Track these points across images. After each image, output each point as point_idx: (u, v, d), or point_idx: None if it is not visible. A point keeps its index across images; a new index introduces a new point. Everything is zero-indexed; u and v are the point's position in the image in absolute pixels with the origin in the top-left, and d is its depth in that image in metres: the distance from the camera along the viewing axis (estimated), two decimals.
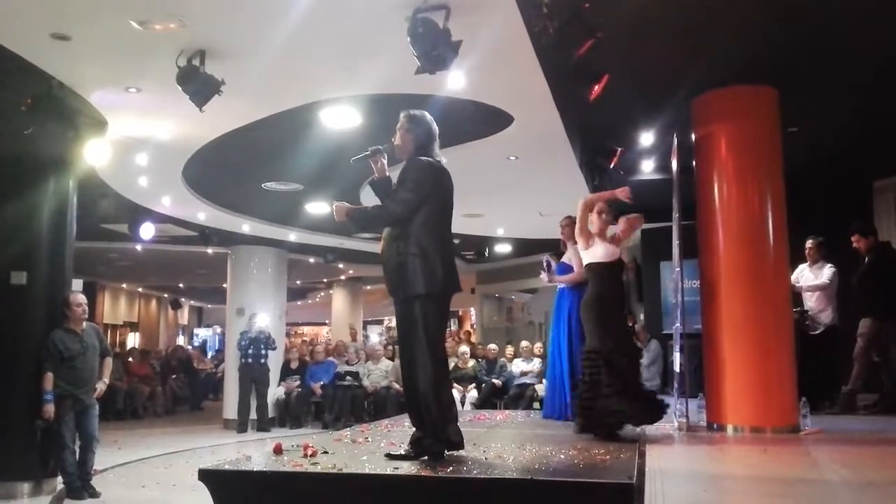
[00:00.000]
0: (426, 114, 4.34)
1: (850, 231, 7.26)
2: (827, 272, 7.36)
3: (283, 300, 14.14)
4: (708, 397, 6.04)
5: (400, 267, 4.10)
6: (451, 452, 4.16)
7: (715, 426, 5.88)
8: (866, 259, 7.19)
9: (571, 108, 6.57)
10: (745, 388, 5.77)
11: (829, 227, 7.57)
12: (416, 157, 4.21)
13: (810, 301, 7.45)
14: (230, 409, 12.70)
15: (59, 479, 6.58)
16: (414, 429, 4.24)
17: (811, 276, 7.45)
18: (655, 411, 5.14)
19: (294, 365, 13.32)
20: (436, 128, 4.31)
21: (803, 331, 7.16)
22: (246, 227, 11.73)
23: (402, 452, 4.17)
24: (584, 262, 5.48)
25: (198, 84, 5.13)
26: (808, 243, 7.44)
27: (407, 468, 3.88)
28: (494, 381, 11.86)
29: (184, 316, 27.95)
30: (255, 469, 4.03)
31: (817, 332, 7.35)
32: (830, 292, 7.38)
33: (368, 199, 9.28)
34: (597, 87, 5.19)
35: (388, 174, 4.34)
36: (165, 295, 24.88)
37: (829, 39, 5.50)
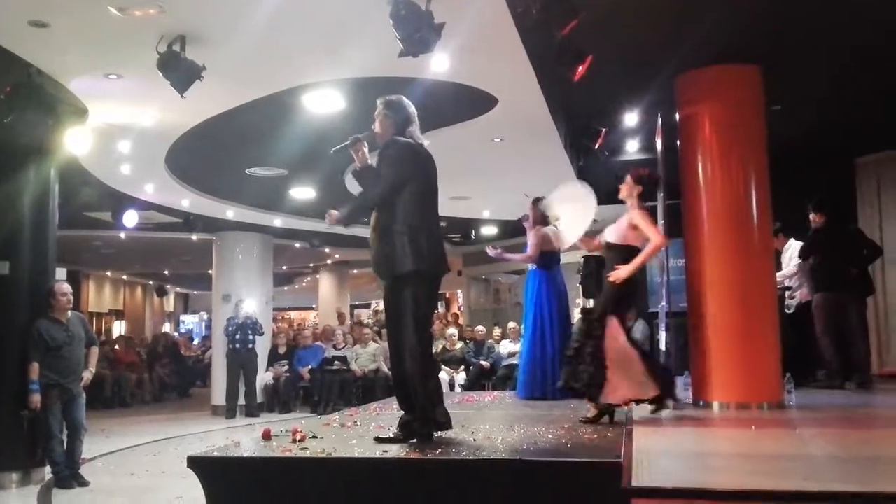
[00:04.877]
0: (403, 98, 4.34)
1: (812, 206, 7.34)
2: (794, 251, 7.43)
3: (270, 286, 14.12)
4: (694, 375, 6.08)
5: (386, 246, 4.10)
6: (439, 434, 4.19)
7: (701, 403, 5.93)
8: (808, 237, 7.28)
9: (555, 89, 6.57)
10: (731, 366, 5.80)
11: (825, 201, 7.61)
12: (392, 138, 4.21)
13: (788, 280, 7.54)
14: (218, 395, 12.71)
15: (48, 468, 6.57)
16: (402, 412, 4.26)
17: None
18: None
19: (282, 350, 13.33)
20: (413, 110, 4.31)
21: (782, 309, 7.22)
22: (230, 212, 11.68)
23: (391, 436, 4.19)
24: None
25: (179, 70, 5.09)
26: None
27: (396, 451, 3.90)
28: (482, 362, 11.91)
29: (170, 303, 27.82)
30: (244, 455, 4.04)
31: (790, 311, 7.42)
32: (804, 270, 7.44)
33: (353, 183, 9.26)
34: (580, 67, 5.19)
35: (369, 162, 4.34)
36: (151, 282, 24.73)
37: (811, 17, 5.51)
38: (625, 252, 5.08)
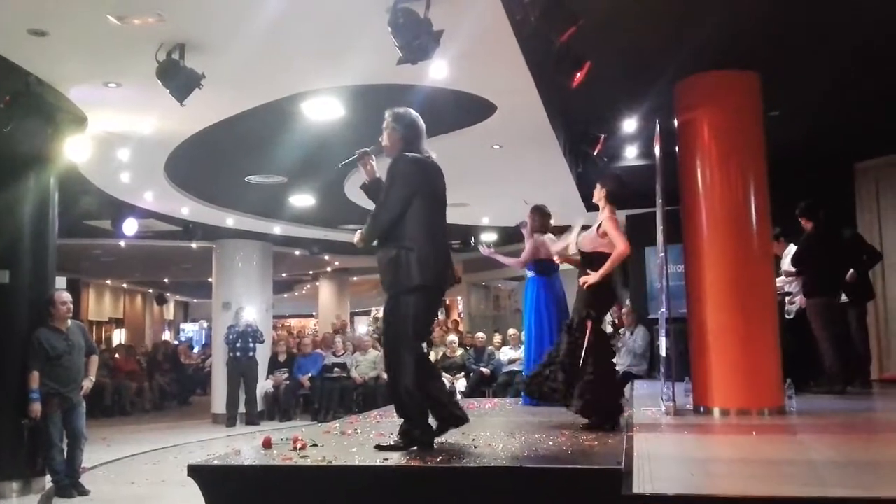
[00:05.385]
0: (411, 110, 4.35)
1: (798, 213, 7.34)
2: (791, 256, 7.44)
3: (270, 293, 14.12)
4: (694, 381, 6.08)
5: (392, 262, 4.11)
6: (440, 439, 4.21)
7: (702, 409, 5.92)
8: (801, 242, 7.28)
9: (554, 96, 6.57)
10: (731, 371, 5.80)
11: (819, 205, 7.61)
12: (401, 154, 4.21)
13: (788, 286, 7.54)
14: (219, 403, 12.70)
15: (48, 477, 6.56)
16: (402, 420, 4.26)
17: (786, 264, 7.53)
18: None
19: (282, 358, 13.32)
20: (422, 123, 4.33)
21: (782, 315, 7.22)
22: (230, 220, 11.68)
23: (392, 443, 4.19)
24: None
25: (178, 78, 5.09)
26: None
27: (396, 459, 3.89)
28: (483, 369, 11.91)
29: (169, 311, 27.82)
30: (244, 463, 4.04)
31: (791, 316, 7.42)
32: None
33: (353, 190, 9.28)
34: (579, 74, 5.19)
35: (377, 175, 4.36)
36: (150, 290, 24.74)
37: (809, 22, 5.52)
38: (596, 259, 5.09)
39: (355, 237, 4.36)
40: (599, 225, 5.16)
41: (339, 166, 4.55)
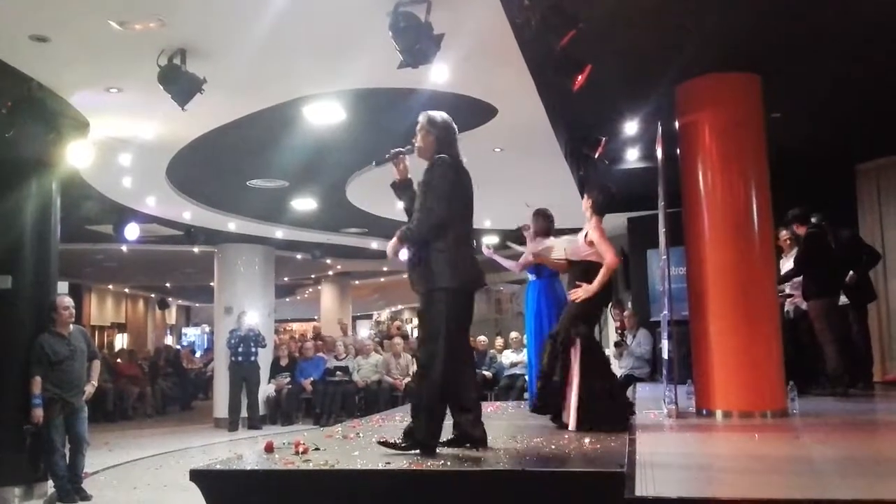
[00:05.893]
0: (445, 114, 4.39)
1: (790, 220, 7.35)
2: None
3: (272, 297, 14.12)
4: (697, 383, 6.07)
5: (423, 262, 4.13)
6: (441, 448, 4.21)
7: (704, 412, 5.90)
8: (801, 245, 7.29)
9: (555, 99, 6.57)
10: (734, 374, 5.79)
11: (813, 211, 7.62)
12: (440, 157, 4.23)
13: (789, 287, 7.54)
14: (221, 407, 12.71)
15: (50, 482, 6.56)
16: (410, 419, 4.26)
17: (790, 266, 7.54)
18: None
19: (284, 362, 13.32)
20: (455, 127, 4.37)
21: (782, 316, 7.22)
22: (232, 224, 11.69)
23: (394, 442, 4.19)
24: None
25: (180, 83, 5.10)
26: (783, 234, 7.49)
27: (398, 463, 3.89)
28: (485, 372, 11.90)
29: (171, 315, 27.82)
30: (246, 468, 4.03)
31: (790, 317, 7.42)
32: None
33: (354, 194, 9.29)
34: (580, 77, 5.19)
35: (409, 175, 4.38)
36: (152, 295, 24.74)
37: (809, 23, 5.51)
38: (582, 267, 5.10)
39: (389, 245, 4.32)
40: (586, 234, 5.18)
41: (374, 164, 4.58)
